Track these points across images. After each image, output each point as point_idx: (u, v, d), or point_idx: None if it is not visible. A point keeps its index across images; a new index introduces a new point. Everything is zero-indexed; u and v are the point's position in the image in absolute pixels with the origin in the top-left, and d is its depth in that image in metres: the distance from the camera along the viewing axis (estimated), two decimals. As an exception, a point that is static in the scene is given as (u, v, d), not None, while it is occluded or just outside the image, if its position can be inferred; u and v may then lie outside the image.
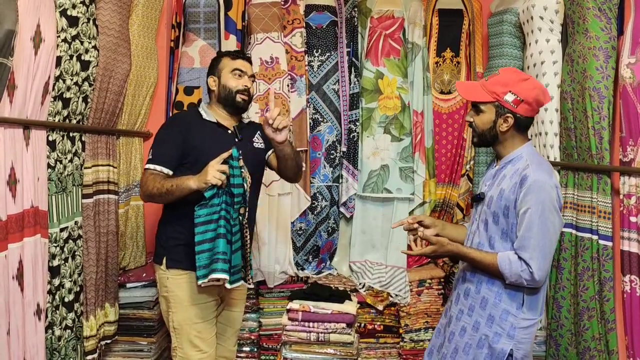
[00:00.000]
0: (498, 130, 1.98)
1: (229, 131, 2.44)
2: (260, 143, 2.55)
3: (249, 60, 2.54)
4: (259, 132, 2.56)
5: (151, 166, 2.30)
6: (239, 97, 2.42)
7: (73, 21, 2.40)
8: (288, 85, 3.48)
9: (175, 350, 2.39)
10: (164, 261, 2.38)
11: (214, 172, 2.10)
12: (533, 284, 1.89)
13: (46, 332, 2.32)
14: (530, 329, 1.96)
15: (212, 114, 2.45)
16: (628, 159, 2.43)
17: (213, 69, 2.50)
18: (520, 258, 1.88)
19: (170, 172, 2.30)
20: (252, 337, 3.44)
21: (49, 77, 2.26)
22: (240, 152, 2.22)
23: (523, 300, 1.94)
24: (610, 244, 2.56)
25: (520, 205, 1.88)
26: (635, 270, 2.37)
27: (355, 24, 3.64)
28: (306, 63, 3.54)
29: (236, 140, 2.42)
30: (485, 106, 1.98)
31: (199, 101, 3.33)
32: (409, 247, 2.13)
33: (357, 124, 3.57)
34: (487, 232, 2.01)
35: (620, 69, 2.48)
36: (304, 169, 3.32)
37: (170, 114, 3.39)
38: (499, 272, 1.91)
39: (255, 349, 3.45)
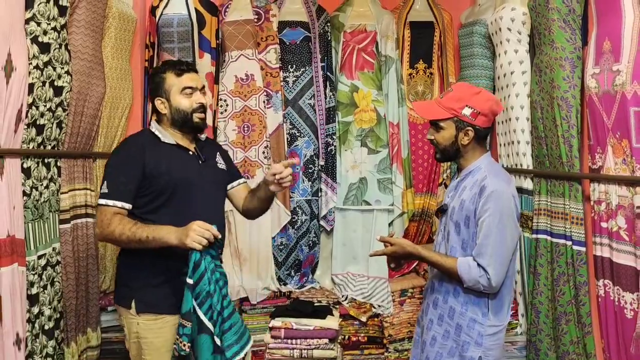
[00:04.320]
0: (460, 144, 2.04)
1: (190, 152, 2.25)
2: (222, 164, 2.38)
3: (194, 69, 2.29)
4: (218, 152, 2.41)
5: (110, 202, 2.03)
6: (195, 118, 2.20)
7: (45, 48, 2.39)
8: (264, 102, 3.50)
9: None
10: (133, 304, 2.11)
11: (194, 235, 1.87)
12: (489, 289, 1.95)
13: (27, 361, 2.30)
14: (498, 335, 2.02)
15: (169, 135, 2.21)
16: (597, 166, 2.49)
17: (159, 89, 2.21)
18: (478, 265, 1.94)
19: (130, 207, 2.07)
20: (237, 354, 3.43)
21: (22, 105, 2.25)
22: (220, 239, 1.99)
23: (488, 306, 2.00)
24: (583, 249, 2.62)
25: (480, 214, 1.95)
26: (608, 274, 2.43)
27: (329, 38, 3.68)
28: (281, 79, 3.57)
29: (200, 162, 2.26)
30: (444, 123, 2.04)
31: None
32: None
33: (335, 137, 3.60)
34: (448, 243, 2.07)
35: (585, 79, 2.54)
36: None
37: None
38: (458, 276, 1.97)
39: (240, 366, 3.44)
